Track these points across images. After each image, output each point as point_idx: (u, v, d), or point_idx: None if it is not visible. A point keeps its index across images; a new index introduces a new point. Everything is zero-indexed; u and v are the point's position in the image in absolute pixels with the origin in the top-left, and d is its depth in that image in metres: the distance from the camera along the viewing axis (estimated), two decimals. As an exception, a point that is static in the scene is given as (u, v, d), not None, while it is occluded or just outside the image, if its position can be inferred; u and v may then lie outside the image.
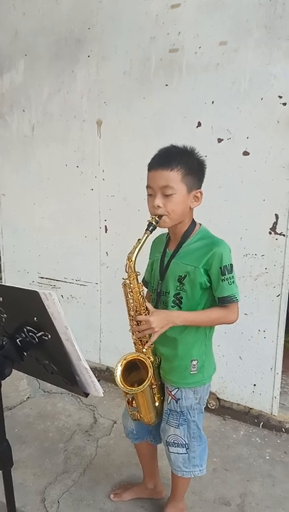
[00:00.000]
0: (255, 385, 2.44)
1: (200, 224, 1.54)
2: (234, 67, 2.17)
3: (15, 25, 2.94)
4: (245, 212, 2.28)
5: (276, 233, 2.22)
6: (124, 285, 1.47)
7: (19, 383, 2.90)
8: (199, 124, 2.32)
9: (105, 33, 2.54)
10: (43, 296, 1.07)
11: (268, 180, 2.19)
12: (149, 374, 1.45)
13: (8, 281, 3.46)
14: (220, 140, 2.28)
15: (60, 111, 2.84)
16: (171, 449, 1.64)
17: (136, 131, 2.54)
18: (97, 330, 3.00)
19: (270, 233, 2.23)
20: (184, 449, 1.62)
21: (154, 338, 1.44)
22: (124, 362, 1.48)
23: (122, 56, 2.51)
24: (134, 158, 2.55)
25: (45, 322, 1.12)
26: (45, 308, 1.08)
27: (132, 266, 1.42)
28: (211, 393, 2.54)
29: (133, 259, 1.41)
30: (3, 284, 1.30)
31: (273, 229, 2.22)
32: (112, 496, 1.93)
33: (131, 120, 2.55)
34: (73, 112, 2.78)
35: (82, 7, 2.60)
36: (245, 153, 2.23)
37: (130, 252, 1.42)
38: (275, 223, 2.21)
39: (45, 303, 1.08)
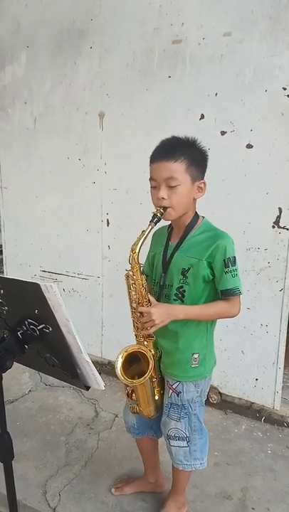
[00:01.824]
0: (257, 379, 2.44)
1: (203, 217, 1.53)
2: (238, 58, 2.15)
3: (17, 16, 2.91)
4: (249, 205, 2.26)
5: (279, 227, 2.20)
6: (127, 277, 1.46)
7: (21, 376, 2.90)
8: (202, 117, 2.29)
9: (108, 24, 2.52)
10: (44, 289, 1.06)
11: (272, 174, 2.17)
12: (150, 366, 1.44)
13: (10, 274, 3.45)
14: (223, 133, 2.25)
15: (62, 103, 2.82)
16: (172, 442, 1.63)
17: (139, 123, 2.52)
18: (99, 324, 3.00)
19: (273, 227, 2.22)
20: (185, 442, 1.62)
21: (152, 329, 1.43)
22: (125, 354, 1.48)
23: (124, 48, 2.48)
24: (137, 150, 2.53)
25: (46, 314, 1.12)
26: (46, 300, 1.08)
27: (136, 257, 1.42)
28: (213, 387, 2.54)
29: (137, 250, 1.40)
30: (4, 276, 1.29)
31: (277, 223, 2.20)
32: (113, 489, 1.94)
33: (134, 112, 2.53)
34: (75, 105, 2.76)
35: (85, -2, 2.57)
36: (249, 146, 2.20)
37: (134, 244, 1.41)
38: (279, 217, 2.19)
39: (46, 295, 1.07)
